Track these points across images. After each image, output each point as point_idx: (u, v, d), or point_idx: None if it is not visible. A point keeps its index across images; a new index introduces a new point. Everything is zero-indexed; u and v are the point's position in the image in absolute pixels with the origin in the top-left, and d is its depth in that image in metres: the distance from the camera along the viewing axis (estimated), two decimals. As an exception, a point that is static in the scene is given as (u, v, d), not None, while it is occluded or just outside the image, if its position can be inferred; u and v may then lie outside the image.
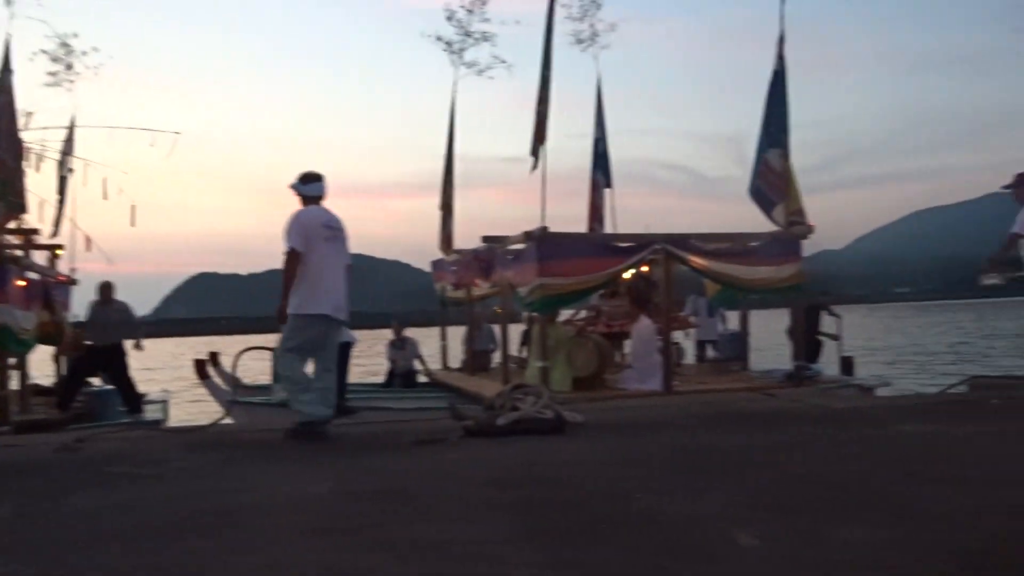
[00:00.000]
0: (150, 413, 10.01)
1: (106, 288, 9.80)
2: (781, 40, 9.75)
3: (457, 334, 13.50)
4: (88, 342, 9.76)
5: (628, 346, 10.56)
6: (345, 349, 9.20)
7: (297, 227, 5.75)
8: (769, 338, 13.90)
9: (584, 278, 8.65)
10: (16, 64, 9.91)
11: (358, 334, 9.72)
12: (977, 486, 3.81)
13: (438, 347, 13.77)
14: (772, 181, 9.65)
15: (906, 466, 4.34)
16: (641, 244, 8.95)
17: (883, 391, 10.28)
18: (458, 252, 12.37)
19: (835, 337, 11.10)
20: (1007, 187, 8.38)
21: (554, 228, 8.81)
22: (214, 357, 10.03)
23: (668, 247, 8.96)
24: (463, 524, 3.32)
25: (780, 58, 9.75)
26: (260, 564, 2.82)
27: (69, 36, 11.95)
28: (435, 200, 13.66)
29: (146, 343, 10.48)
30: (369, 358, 19.84)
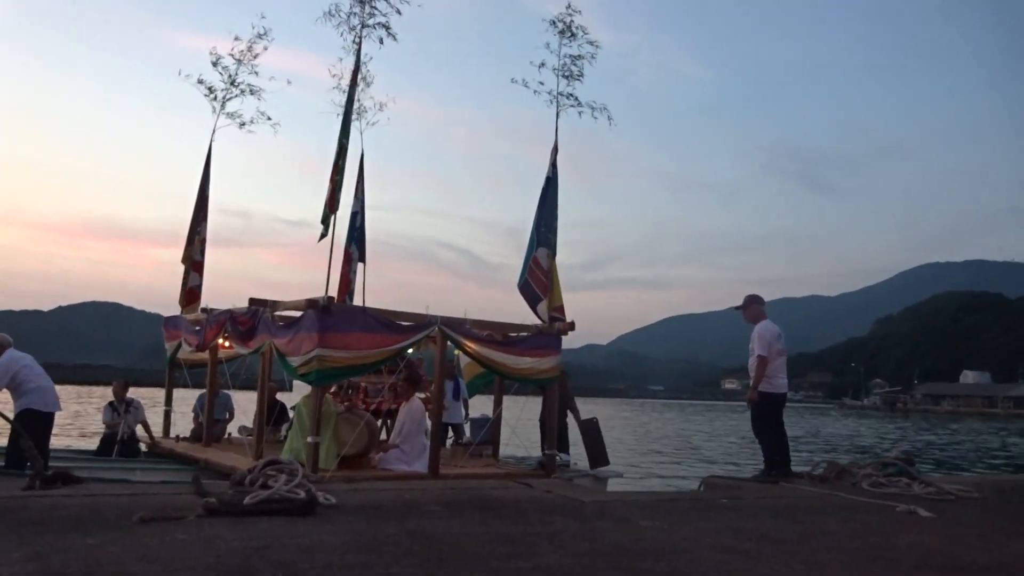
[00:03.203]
0: None
1: None
2: (555, 150, 10.50)
3: (184, 398, 12.59)
4: None
5: (394, 425, 10.38)
6: (49, 418, 8.28)
7: None
8: (515, 424, 14.25)
9: (364, 353, 8.47)
10: None
11: (63, 390, 8.78)
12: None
13: (162, 412, 12.64)
14: (539, 278, 10.19)
15: (630, 561, 4.52)
16: (420, 324, 8.98)
17: (615, 482, 10.89)
18: (205, 311, 11.63)
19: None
20: (737, 308, 9.44)
21: (305, 296, 8.61)
22: None
23: (445, 329, 9.08)
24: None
25: (553, 166, 10.50)
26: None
27: None
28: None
29: None
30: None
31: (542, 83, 10.56)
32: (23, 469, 7.85)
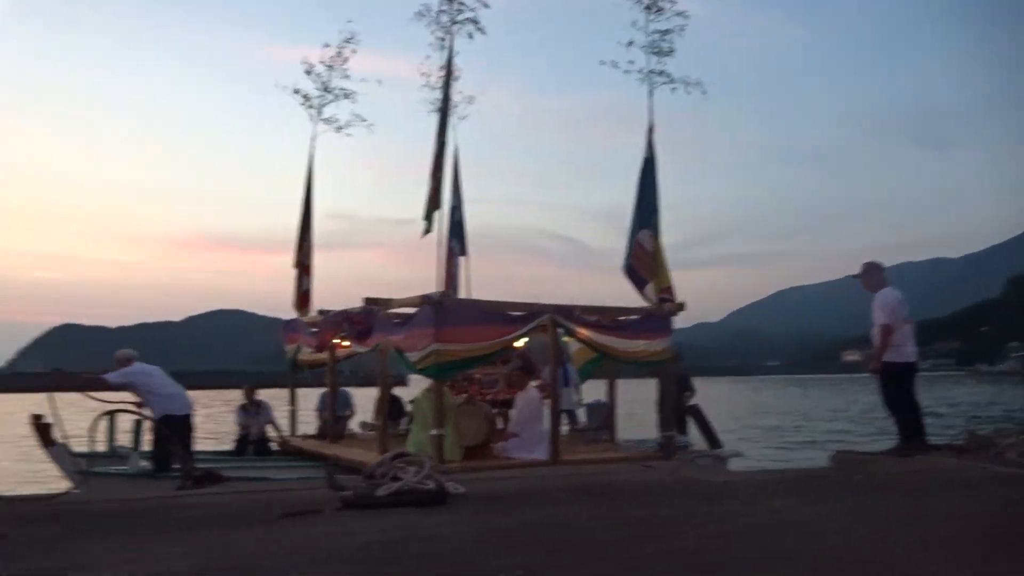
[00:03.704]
0: None
1: None
2: (650, 130, 10.34)
3: (307, 398, 13.07)
4: None
5: (512, 414, 10.51)
6: (185, 421, 8.79)
7: None
8: (629, 407, 14.10)
9: (479, 345, 8.63)
10: None
11: (198, 395, 9.30)
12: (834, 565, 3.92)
13: (287, 412, 13.09)
14: (643, 260, 10.09)
15: (765, 542, 4.43)
16: (532, 313, 9.06)
17: (736, 462, 10.66)
18: (322, 313, 12.07)
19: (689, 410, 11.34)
20: (856, 276, 9.04)
21: (411, 293, 8.82)
22: (40, 425, 8.89)
23: (556, 317, 9.13)
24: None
25: (649, 146, 10.34)
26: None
27: None
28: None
29: None
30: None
31: (632, 62, 10.44)
32: (169, 471, 8.41)
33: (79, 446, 9.32)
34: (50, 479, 10.38)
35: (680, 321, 10.38)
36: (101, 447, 9.81)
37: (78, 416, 9.02)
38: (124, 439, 9.81)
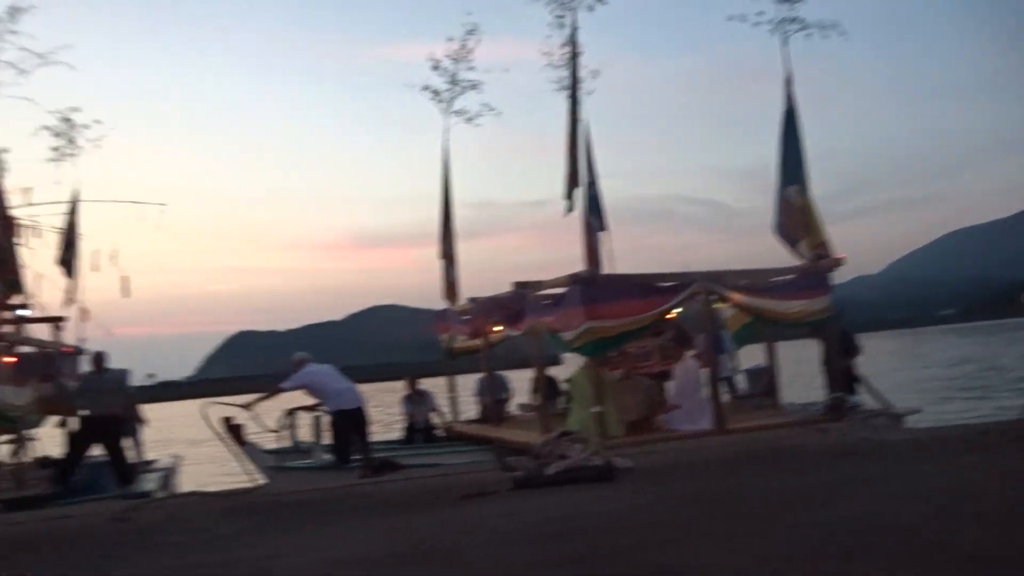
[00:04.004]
0: (145, 483, 9.78)
1: (98, 358, 9.67)
2: (788, 81, 9.86)
3: (464, 384, 13.39)
4: (83, 412, 9.70)
5: (671, 386, 10.39)
6: (358, 413, 9.24)
7: None
8: (792, 370, 13.53)
9: (632, 319, 8.56)
10: (15, 142, 10.18)
11: (364, 388, 9.78)
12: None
13: (448, 399, 13.43)
14: (794, 217, 9.68)
15: (960, 506, 4.17)
16: (683, 283, 8.90)
17: (914, 419, 10.03)
18: (472, 300, 12.35)
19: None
20: None
21: (556, 273, 8.84)
22: (232, 426, 9.66)
23: (708, 284, 8.93)
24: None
25: (789, 97, 9.87)
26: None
27: (71, 111, 12.29)
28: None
29: (187, 404, 10.57)
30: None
31: (761, 13, 9.98)
32: (349, 462, 8.92)
33: (267, 444, 10.09)
34: (241, 476, 11.29)
35: (836, 276, 9.92)
36: (287, 444, 10.55)
37: (263, 416, 9.74)
38: (305, 435, 10.51)
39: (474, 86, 13.04)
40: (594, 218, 12.85)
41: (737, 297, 9.17)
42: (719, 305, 9.86)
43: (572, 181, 9.77)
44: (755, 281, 9.43)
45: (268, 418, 9.96)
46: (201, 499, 6.50)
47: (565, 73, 10.59)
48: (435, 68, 13.09)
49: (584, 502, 4.90)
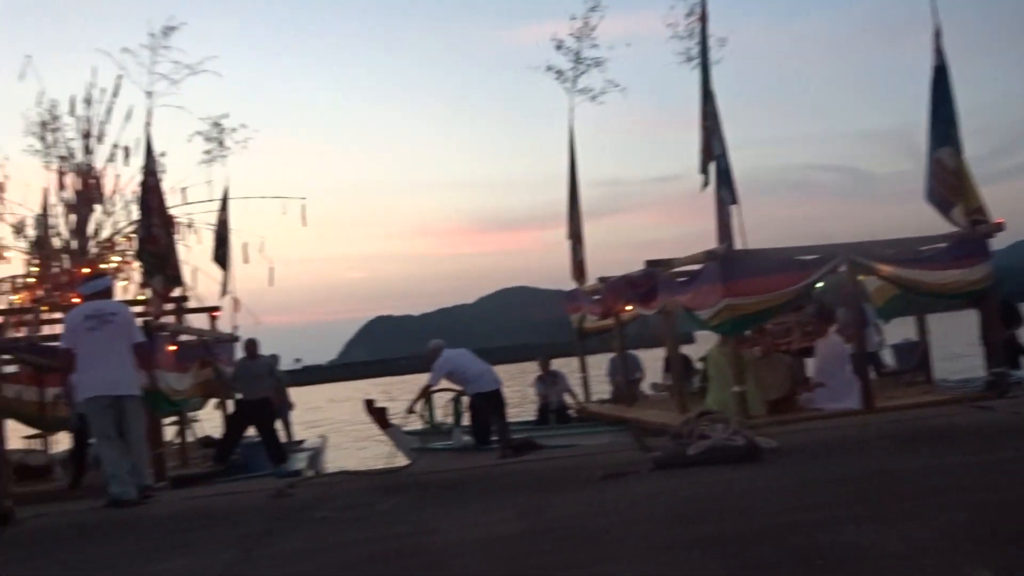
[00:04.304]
0: (296, 462, 10.40)
1: (251, 345, 10.36)
2: (937, 35, 9.16)
3: (595, 364, 13.32)
4: (238, 396, 10.36)
5: (813, 363, 10.01)
6: (495, 396, 9.39)
7: (64, 331, 6.81)
8: (945, 344, 12.67)
9: (773, 295, 8.28)
10: (174, 146, 10.93)
11: (497, 369, 9.93)
12: None
13: (579, 379, 13.39)
14: (947, 181, 9.02)
15: None
16: (826, 255, 8.53)
17: None
18: (602, 280, 12.28)
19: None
20: None
21: (686, 250, 8.61)
22: (375, 409, 10.22)
23: (853, 256, 8.52)
24: (660, 563, 3.23)
25: (939, 52, 9.17)
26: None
27: (221, 117, 13.18)
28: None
29: (330, 387, 11.13)
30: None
31: None
32: (489, 443, 9.14)
33: (409, 426, 10.48)
34: (385, 456, 11.79)
35: (994, 242, 9.22)
36: (427, 426, 10.93)
37: (403, 399, 10.12)
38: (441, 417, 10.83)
39: (598, 63, 12.96)
40: (725, 191, 12.50)
41: (886, 269, 8.70)
42: (862, 277, 9.39)
43: (706, 155, 9.52)
44: (904, 251, 8.91)
45: (407, 401, 10.34)
46: (353, 478, 6.85)
47: (690, 44, 10.32)
48: (558, 48, 13.10)
49: (728, 483, 4.82)
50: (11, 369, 9.94)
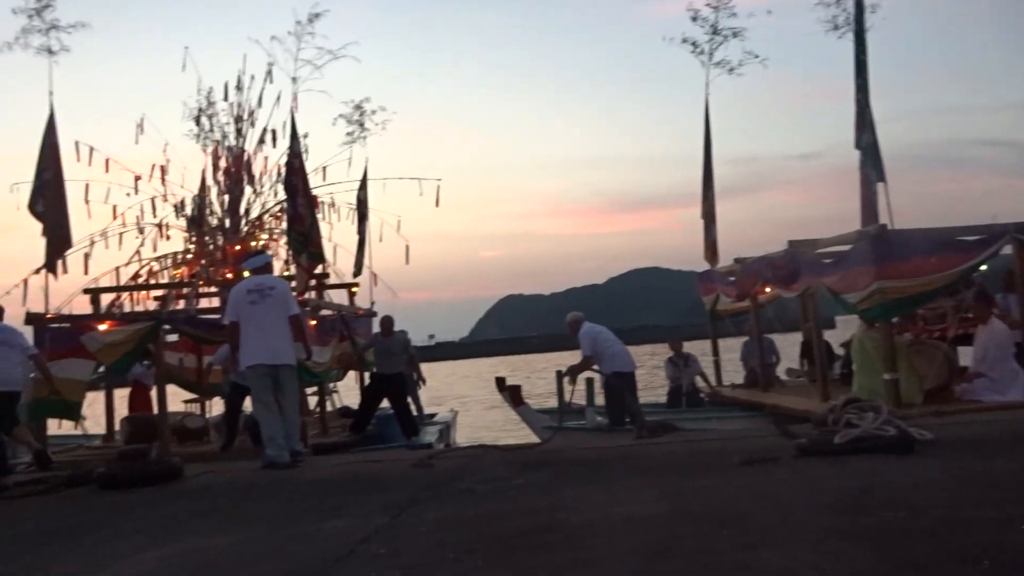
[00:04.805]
0: (426, 435, 10.74)
1: (387, 322, 10.64)
2: None
3: (727, 348, 12.91)
4: (374, 370, 10.70)
5: (974, 352, 9.35)
6: (631, 377, 9.29)
7: (229, 304, 7.35)
8: None
9: (930, 278, 7.78)
10: (317, 128, 11.44)
11: (631, 351, 9.81)
12: None
13: (710, 362, 13.18)
14: None
15: None
16: (991, 236, 7.93)
17: None
18: (739, 261, 11.90)
19: None
20: None
21: (827, 230, 8.16)
22: (507, 385, 10.42)
23: (1022, 237, 7.89)
24: (808, 552, 3.12)
25: None
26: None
27: (363, 101, 13.67)
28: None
29: (460, 364, 11.44)
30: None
31: None
32: (622, 424, 9.10)
33: (541, 404, 10.60)
34: (516, 433, 11.98)
35: None
36: (559, 405, 11.03)
37: (535, 377, 10.22)
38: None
39: (736, 34, 12.57)
40: (871, 168, 11.87)
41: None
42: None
43: (859, 128, 9.06)
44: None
45: (541, 378, 10.44)
46: (490, 452, 7.00)
47: (837, 11, 9.82)
48: (694, 19, 12.78)
49: (878, 474, 4.59)
50: (172, 338, 10.78)
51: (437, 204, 13.57)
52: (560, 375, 10.58)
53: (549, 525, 3.94)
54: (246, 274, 7.57)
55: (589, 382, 9.97)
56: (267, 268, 7.58)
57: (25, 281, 10.26)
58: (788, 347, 12.54)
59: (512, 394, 10.26)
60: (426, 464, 6.19)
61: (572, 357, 10.20)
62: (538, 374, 23.71)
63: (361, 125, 13.61)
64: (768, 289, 10.97)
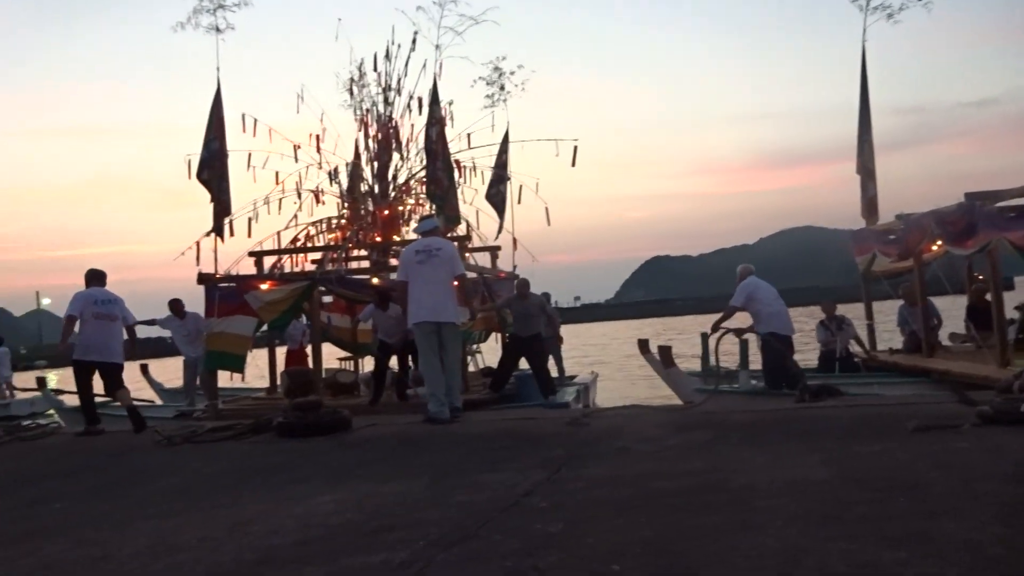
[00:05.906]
0: (564, 395, 10.81)
1: (523, 285, 10.72)
2: None
3: (881, 311, 12.14)
4: (512, 332, 10.81)
5: None
6: (785, 341, 8.93)
7: (399, 265, 7.72)
8: None
9: None
10: (459, 94, 11.53)
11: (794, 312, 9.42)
12: None
13: (864, 326, 12.46)
14: None
15: None
16: None
17: None
18: (900, 218, 11.13)
19: None
20: None
21: (1005, 183, 7.42)
22: (661, 347, 10.32)
23: None
24: (995, 524, 2.93)
25: None
26: (777, 547, 2.81)
27: (500, 60, 13.61)
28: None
29: (605, 325, 11.40)
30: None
31: None
32: (780, 388, 8.81)
33: (687, 368, 10.45)
34: (657, 396, 11.87)
35: None
36: (701, 368, 10.84)
37: (682, 338, 10.06)
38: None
39: None
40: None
41: None
42: None
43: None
44: None
45: (690, 340, 10.27)
46: (644, 412, 6.99)
47: None
48: None
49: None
50: (327, 299, 11.37)
51: (573, 164, 13.44)
52: (705, 336, 10.37)
53: (709, 485, 3.91)
54: (414, 237, 7.89)
55: (744, 344, 9.72)
56: (435, 231, 7.86)
57: (197, 244, 10.99)
58: (952, 310, 11.74)
59: (664, 355, 10.18)
60: (581, 422, 6.27)
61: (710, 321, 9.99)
62: (685, 336, 23.37)
63: (501, 87, 13.66)
64: (936, 246, 10.27)
